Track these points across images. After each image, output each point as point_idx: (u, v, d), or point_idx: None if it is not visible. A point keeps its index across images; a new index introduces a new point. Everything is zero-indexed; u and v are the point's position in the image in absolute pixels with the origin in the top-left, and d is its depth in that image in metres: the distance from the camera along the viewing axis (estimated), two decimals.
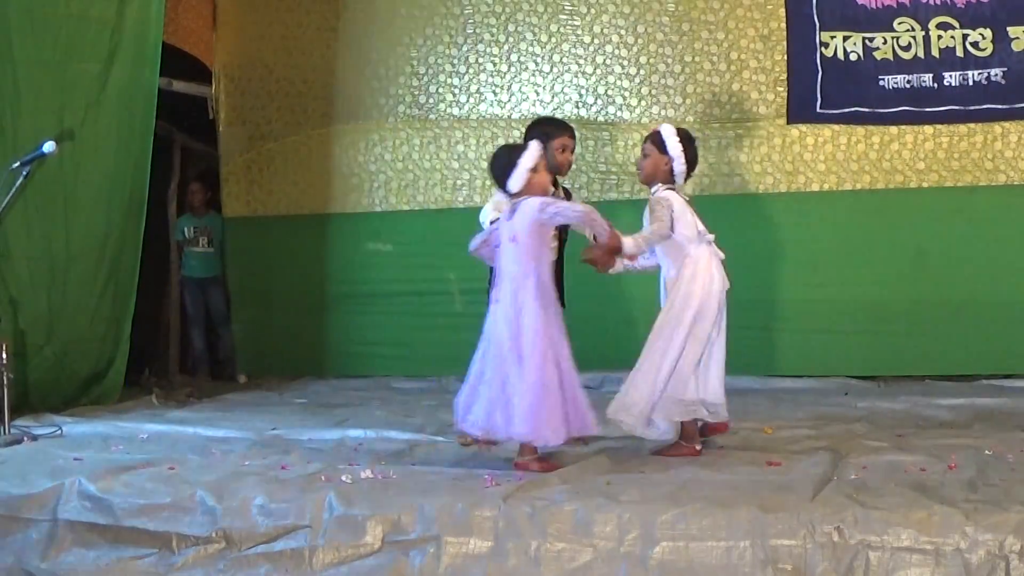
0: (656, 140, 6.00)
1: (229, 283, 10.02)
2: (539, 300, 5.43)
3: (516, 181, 5.47)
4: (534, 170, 5.50)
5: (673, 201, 5.89)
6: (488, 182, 8.47)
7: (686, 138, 6.02)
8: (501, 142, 8.96)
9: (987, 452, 5.73)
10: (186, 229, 10.32)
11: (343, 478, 5.28)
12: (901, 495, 4.72)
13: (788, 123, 8.95)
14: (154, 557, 4.94)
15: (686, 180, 6.04)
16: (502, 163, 5.56)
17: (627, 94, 9.21)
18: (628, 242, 5.67)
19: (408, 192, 9.51)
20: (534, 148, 5.55)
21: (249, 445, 6.40)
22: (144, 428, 7.00)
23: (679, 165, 5.91)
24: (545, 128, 6.44)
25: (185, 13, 9.64)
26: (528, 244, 5.47)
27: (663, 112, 9.07)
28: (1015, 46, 8.55)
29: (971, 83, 8.61)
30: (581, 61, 9.19)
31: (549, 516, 4.63)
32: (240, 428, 6.97)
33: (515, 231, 5.48)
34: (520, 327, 5.40)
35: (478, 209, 7.97)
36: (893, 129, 8.79)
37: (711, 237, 5.87)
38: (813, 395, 8.13)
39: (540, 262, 5.52)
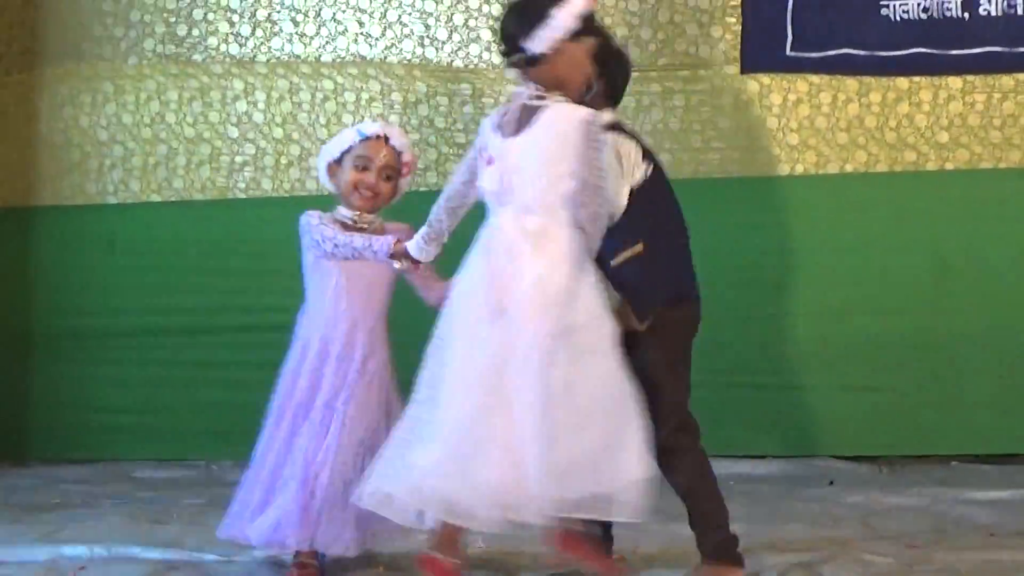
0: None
1: None
2: None
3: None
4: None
5: None
6: (287, 159, 7.84)
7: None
8: (305, 97, 7.89)
9: None
10: None
11: None
12: None
13: (743, 72, 7.48)
14: None
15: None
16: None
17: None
18: None
19: (160, 174, 7.87)
20: None
21: None
22: None
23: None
24: None
25: None
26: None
27: None
28: None
29: (1020, 11, 7.13)
30: None
31: None
32: None
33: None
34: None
35: (266, 200, 7.98)
36: (902, 82, 7.32)
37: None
38: None
39: None
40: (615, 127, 4.86)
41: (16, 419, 7.96)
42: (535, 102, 4.33)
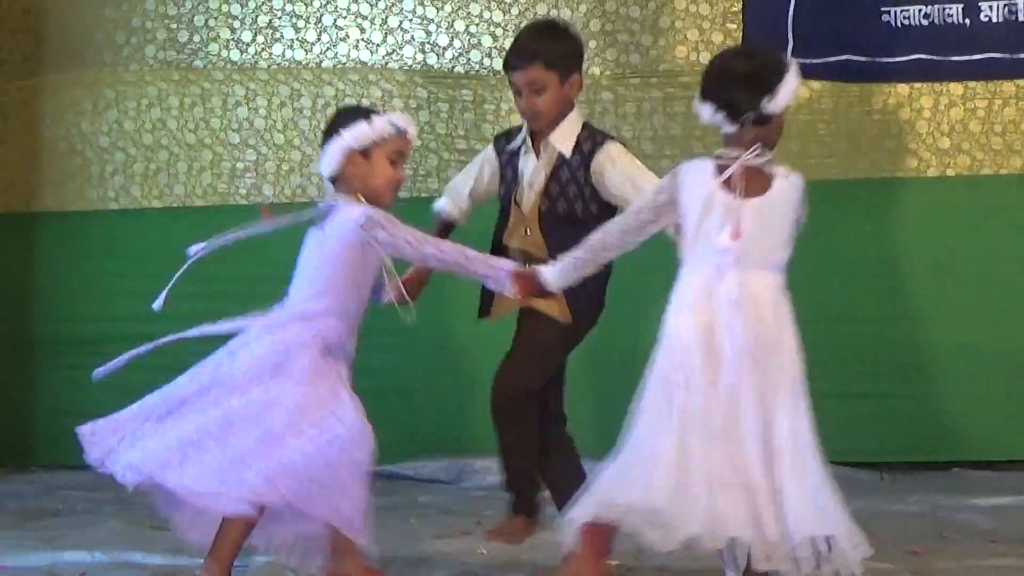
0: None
1: None
2: None
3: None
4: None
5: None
6: (288, 166, 7.91)
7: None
8: (306, 103, 7.94)
9: None
10: None
11: None
12: None
13: None
14: None
15: None
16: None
17: (500, 32, 7.68)
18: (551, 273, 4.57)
19: (161, 180, 7.90)
20: None
21: None
22: None
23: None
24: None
25: None
26: None
27: None
28: None
29: (1021, 17, 7.11)
30: None
31: None
32: None
33: None
34: None
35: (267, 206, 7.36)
36: (903, 88, 7.36)
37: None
38: None
39: None
40: (608, 136, 4.99)
41: (18, 425, 7.98)
42: (766, 168, 4.33)
